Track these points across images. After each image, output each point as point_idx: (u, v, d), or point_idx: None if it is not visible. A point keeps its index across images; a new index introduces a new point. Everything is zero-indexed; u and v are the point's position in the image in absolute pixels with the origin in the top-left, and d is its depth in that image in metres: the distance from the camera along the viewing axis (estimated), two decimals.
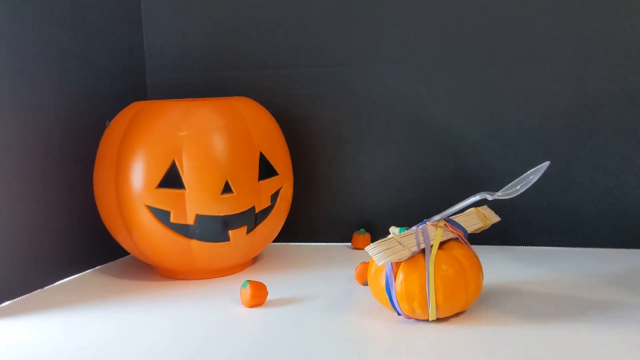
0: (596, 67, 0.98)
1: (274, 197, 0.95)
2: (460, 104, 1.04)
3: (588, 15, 0.97)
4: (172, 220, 0.87)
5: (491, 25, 1.01)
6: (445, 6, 1.02)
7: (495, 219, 0.82)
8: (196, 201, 0.87)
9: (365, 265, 0.87)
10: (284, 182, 0.96)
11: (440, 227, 0.75)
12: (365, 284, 0.86)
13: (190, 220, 0.87)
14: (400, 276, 0.71)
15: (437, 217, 0.76)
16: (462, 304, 0.73)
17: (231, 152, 0.89)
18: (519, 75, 1.01)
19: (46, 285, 0.92)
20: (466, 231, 0.77)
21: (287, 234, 1.07)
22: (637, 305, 0.76)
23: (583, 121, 1.00)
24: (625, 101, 0.98)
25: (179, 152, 0.86)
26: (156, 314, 0.80)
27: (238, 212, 0.89)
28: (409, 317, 0.73)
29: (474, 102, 1.03)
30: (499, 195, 0.74)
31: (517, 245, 1.04)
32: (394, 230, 0.82)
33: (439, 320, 0.73)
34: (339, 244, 1.11)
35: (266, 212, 0.94)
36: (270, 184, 0.93)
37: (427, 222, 0.76)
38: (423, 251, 0.73)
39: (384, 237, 0.74)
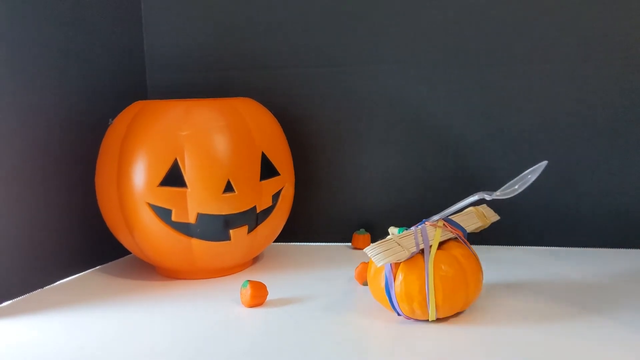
0: (596, 67, 0.98)
1: (276, 197, 0.95)
2: (460, 104, 1.04)
3: (588, 15, 0.97)
4: (173, 218, 0.87)
5: (491, 25, 1.01)
6: (445, 6, 1.02)
7: (495, 217, 0.82)
8: (198, 200, 0.87)
9: (365, 265, 0.87)
10: (285, 182, 0.96)
11: (439, 227, 0.75)
12: (365, 284, 0.86)
13: (191, 219, 0.88)
14: (400, 277, 0.71)
15: (436, 217, 0.76)
16: (461, 304, 0.73)
17: (233, 152, 0.89)
18: (519, 75, 1.01)
19: (46, 285, 0.92)
20: (465, 231, 0.77)
21: (288, 234, 1.07)
22: (637, 306, 0.76)
23: (583, 121, 1.00)
24: (625, 101, 0.98)
25: (181, 150, 0.87)
26: (156, 313, 0.80)
27: (239, 211, 0.89)
28: (408, 318, 0.73)
29: (474, 102, 1.03)
30: (497, 195, 0.74)
31: (517, 245, 1.04)
32: (393, 230, 0.82)
33: (438, 320, 0.73)
34: (339, 244, 1.11)
35: (267, 212, 0.94)
36: (272, 184, 0.93)
37: (426, 222, 0.76)
38: (422, 251, 0.73)
39: (383, 237, 0.74)
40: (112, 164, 0.89)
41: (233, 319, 0.78)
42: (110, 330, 0.75)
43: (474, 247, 0.77)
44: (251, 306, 0.81)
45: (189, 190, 0.87)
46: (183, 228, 0.88)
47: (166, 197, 0.87)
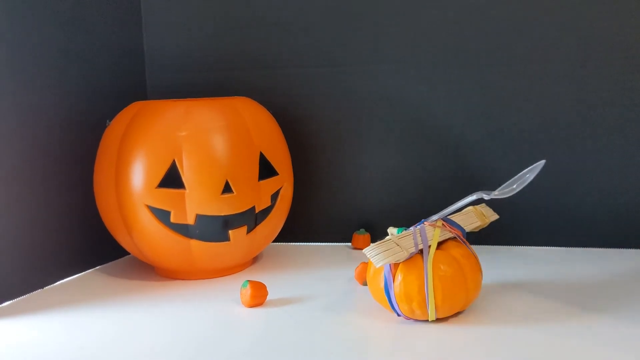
0: (596, 67, 0.98)
1: (274, 197, 0.95)
2: (460, 104, 1.04)
3: (588, 15, 0.97)
4: (172, 220, 0.87)
5: (491, 25, 1.01)
6: (445, 6, 1.02)
7: (494, 216, 0.82)
8: (196, 201, 0.87)
9: (365, 265, 0.87)
10: (284, 182, 0.96)
11: (438, 227, 0.75)
12: (365, 284, 0.86)
13: (190, 220, 0.88)
14: (399, 277, 0.71)
15: (434, 217, 0.76)
16: (461, 304, 0.73)
17: (231, 152, 0.89)
18: (519, 75, 1.01)
19: (46, 285, 0.92)
20: (464, 230, 0.77)
21: (287, 234, 1.07)
22: (637, 306, 0.76)
23: (583, 121, 1.00)
24: (625, 101, 0.98)
25: (179, 151, 0.87)
26: (156, 314, 0.80)
27: (238, 212, 0.89)
28: (408, 318, 0.73)
29: (474, 102, 1.03)
30: (496, 194, 0.74)
31: (517, 245, 1.04)
32: (392, 230, 0.82)
33: (438, 320, 0.73)
34: (339, 244, 1.11)
35: (266, 212, 0.94)
36: (271, 184, 0.93)
37: (425, 222, 0.76)
38: (421, 252, 0.73)
39: (383, 237, 0.74)
40: (110, 166, 0.89)
41: (233, 319, 0.78)
42: (110, 330, 0.75)
43: (474, 247, 0.77)
44: (251, 306, 0.81)
45: (187, 191, 0.87)
46: (182, 229, 0.88)
47: (165, 198, 0.87)
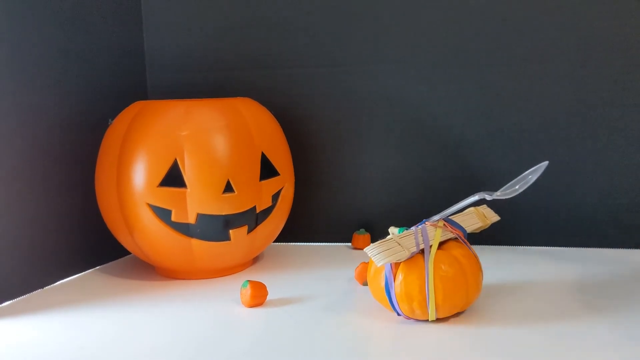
0: (596, 67, 0.98)
1: (275, 197, 0.95)
2: (460, 104, 1.04)
3: (588, 15, 0.97)
4: (173, 219, 0.87)
5: (491, 25, 1.01)
6: (445, 6, 1.02)
7: (495, 218, 0.82)
8: (197, 200, 0.87)
9: (365, 265, 0.87)
10: (285, 182, 0.96)
11: (440, 227, 0.75)
12: (365, 284, 0.86)
13: (191, 219, 0.88)
14: (400, 277, 0.71)
15: (436, 217, 0.76)
16: (461, 304, 0.73)
17: (233, 152, 0.89)
18: (519, 75, 1.01)
19: (46, 285, 0.92)
20: (465, 231, 0.77)
21: (288, 234, 1.07)
22: (637, 306, 0.76)
23: (583, 121, 1.00)
24: (625, 101, 0.98)
25: (180, 151, 0.87)
26: (156, 314, 0.80)
27: (239, 211, 0.89)
28: (408, 318, 0.73)
29: (474, 102, 1.03)
30: (498, 195, 0.74)
31: (517, 245, 1.04)
32: (393, 230, 0.82)
33: (438, 320, 0.73)
34: (339, 244, 1.11)
35: (267, 212, 0.94)
36: (272, 184, 0.93)
37: (426, 222, 0.76)
38: (422, 251, 0.73)
39: (383, 237, 0.74)
40: (111, 165, 0.89)
41: (233, 319, 0.78)
42: (110, 330, 0.75)
43: (474, 247, 0.77)
44: (251, 306, 0.81)
45: (188, 190, 0.87)
46: (183, 228, 0.88)
47: (166, 197, 0.87)
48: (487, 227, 0.81)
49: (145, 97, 1.14)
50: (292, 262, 1.02)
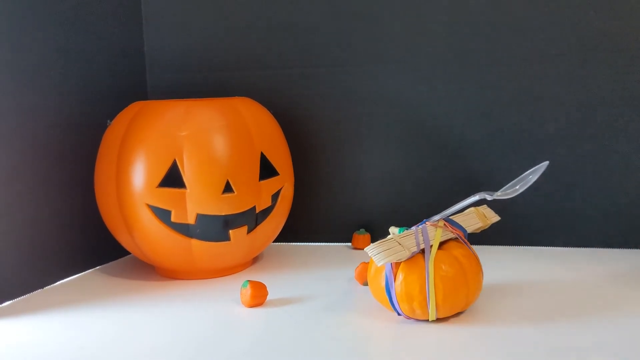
0: (596, 67, 0.98)
1: (275, 197, 0.95)
2: (460, 104, 1.04)
3: (588, 15, 0.97)
4: (172, 219, 0.87)
5: (491, 25, 1.01)
6: (446, 6, 1.02)
7: (495, 218, 0.82)
8: (197, 200, 0.87)
9: (365, 265, 0.87)
10: (284, 182, 0.96)
11: (440, 227, 0.75)
12: (366, 284, 0.86)
13: (191, 219, 0.88)
14: (400, 276, 0.71)
15: (436, 217, 0.76)
16: (462, 304, 0.73)
17: (232, 152, 0.89)
18: (519, 75, 1.01)
19: (46, 285, 0.92)
20: (466, 231, 0.77)
21: (288, 234, 1.07)
22: (637, 306, 0.76)
23: (583, 121, 1.00)
24: (625, 101, 0.98)
25: (180, 151, 0.87)
26: (156, 314, 0.80)
27: (239, 211, 0.89)
28: (409, 318, 0.73)
29: (474, 102, 1.03)
30: (498, 195, 0.74)
31: (517, 245, 1.04)
32: (393, 230, 0.82)
33: (439, 320, 0.73)
34: (339, 244, 1.11)
35: (267, 212, 0.94)
36: (271, 184, 0.93)
37: (427, 222, 0.76)
38: (423, 251, 0.73)
39: (384, 237, 0.74)
40: (111, 165, 0.89)
41: (233, 319, 0.78)
42: (110, 330, 0.75)
43: (475, 247, 0.77)
44: (251, 306, 0.81)
45: (188, 191, 0.87)
46: (182, 229, 0.88)
47: (165, 198, 0.87)
48: (487, 227, 0.81)
49: (145, 97, 1.14)
50: (292, 262, 1.02)
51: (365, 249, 0.72)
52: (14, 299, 0.87)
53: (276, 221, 0.97)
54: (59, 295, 0.89)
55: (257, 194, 0.91)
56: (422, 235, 0.73)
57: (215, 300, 0.84)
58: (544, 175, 0.75)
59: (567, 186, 1.01)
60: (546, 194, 1.01)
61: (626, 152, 0.99)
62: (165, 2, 1.12)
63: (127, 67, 1.10)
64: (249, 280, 0.81)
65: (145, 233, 0.89)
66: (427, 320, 0.73)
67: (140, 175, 0.87)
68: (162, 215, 0.87)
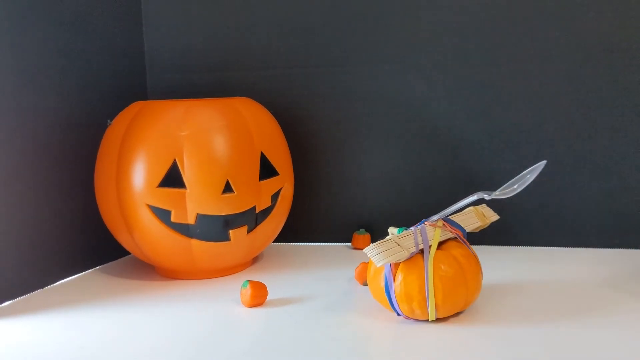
0: (596, 67, 0.98)
1: (275, 197, 0.95)
2: (460, 104, 1.04)
3: (588, 15, 0.97)
4: (172, 219, 0.87)
5: (491, 25, 1.01)
6: (445, 6, 1.02)
7: (494, 217, 0.82)
8: (197, 201, 0.87)
9: (365, 265, 0.87)
10: (284, 182, 0.96)
11: (439, 227, 0.75)
12: (365, 284, 0.86)
13: (191, 219, 0.88)
14: (399, 277, 0.71)
15: (435, 217, 0.76)
16: (461, 304, 0.73)
17: (232, 152, 0.89)
18: (519, 75, 1.01)
19: (46, 285, 0.92)
20: (465, 230, 0.77)
21: (288, 234, 1.07)
22: (636, 306, 0.76)
23: (583, 121, 1.00)
24: (625, 101, 0.98)
25: (180, 151, 0.87)
26: (156, 314, 0.80)
27: (239, 211, 0.89)
28: (408, 318, 0.73)
29: (474, 102, 1.03)
30: (497, 194, 0.74)
31: (517, 245, 1.04)
32: (392, 230, 0.82)
33: (438, 320, 0.73)
34: (339, 244, 1.11)
35: (267, 212, 0.94)
36: (271, 184, 0.93)
37: (426, 222, 0.76)
38: (422, 251, 0.73)
39: (383, 237, 0.74)
40: (111, 165, 0.89)
41: (233, 319, 0.78)
42: (110, 330, 0.75)
43: (474, 247, 0.77)
44: (251, 306, 0.81)
45: (188, 191, 0.87)
46: (182, 229, 0.88)
47: (165, 198, 0.87)
48: (486, 226, 0.81)
49: (145, 97, 1.14)
50: (292, 262, 1.02)
51: (364, 250, 0.72)
52: (14, 298, 0.87)
53: (276, 221, 0.97)
54: (59, 295, 0.89)
55: (257, 194, 0.91)
56: (421, 235, 0.73)
57: (215, 300, 0.84)
58: (544, 175, 0.75)
59: (567, 186, 1.01)
60: (546, 194, 1.01)
61: (626, 153, 0.99)
62: (165, 2, 1.12)
63: (127, 67, 1.10)
64: (249, 280, 0.81)
65: (145, 233, 0.89)
66: (427, 321, 0.73)
67: (141, 175, 0.87)
68: (162, 215, 0.87)
